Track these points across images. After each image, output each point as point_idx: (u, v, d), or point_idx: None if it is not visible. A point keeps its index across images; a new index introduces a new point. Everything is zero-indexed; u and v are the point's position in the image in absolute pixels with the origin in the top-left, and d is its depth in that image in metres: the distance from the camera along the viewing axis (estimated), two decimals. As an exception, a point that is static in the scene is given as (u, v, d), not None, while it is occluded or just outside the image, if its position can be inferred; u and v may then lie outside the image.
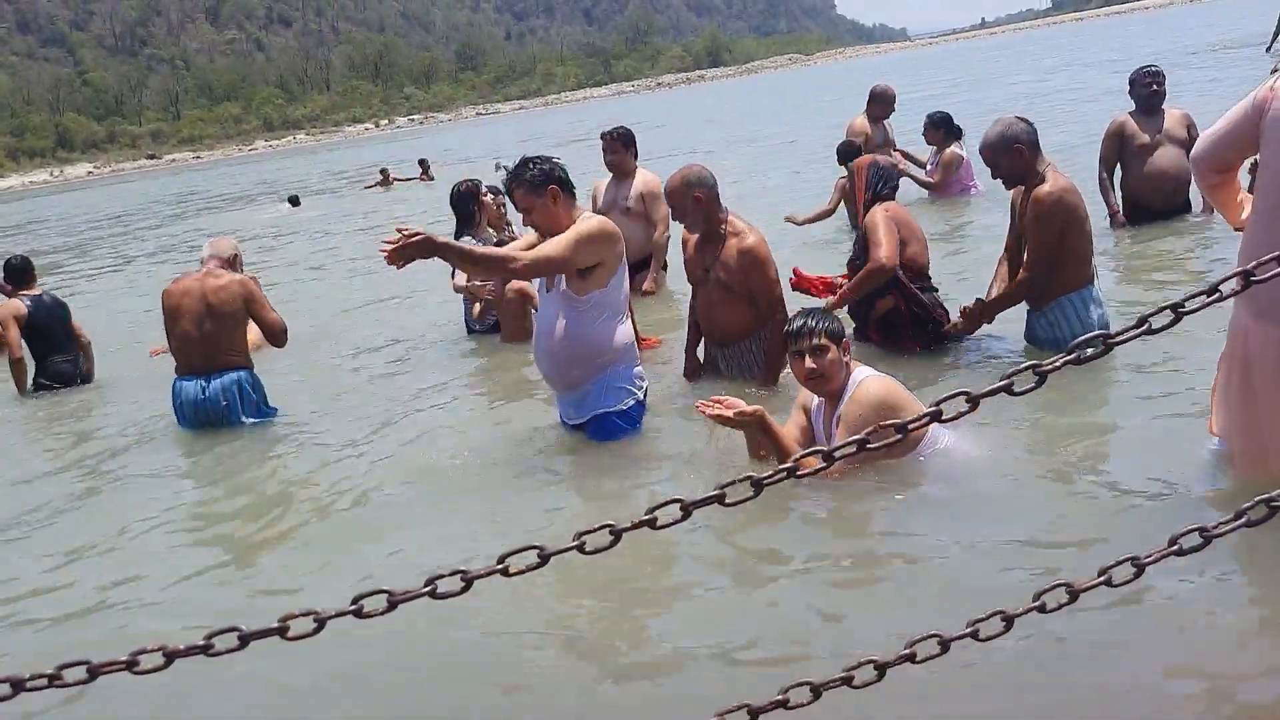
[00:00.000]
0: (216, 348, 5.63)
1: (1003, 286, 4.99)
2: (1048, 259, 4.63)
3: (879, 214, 5.13)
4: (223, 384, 5.60)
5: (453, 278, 6.87)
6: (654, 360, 5.60)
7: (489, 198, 6.98)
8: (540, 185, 4.27)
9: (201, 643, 1.63)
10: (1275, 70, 3.03)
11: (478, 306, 6.93)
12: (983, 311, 4.93)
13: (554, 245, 4.18)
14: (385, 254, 3.93)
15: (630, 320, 4.59)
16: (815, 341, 3.63)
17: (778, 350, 4.59)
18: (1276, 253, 1.77)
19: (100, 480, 5.24)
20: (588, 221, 4.29)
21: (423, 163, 23.61)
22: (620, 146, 7.33)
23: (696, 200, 4.78)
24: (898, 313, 5.13)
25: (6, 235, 26.49)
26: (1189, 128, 6.98)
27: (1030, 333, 4.93)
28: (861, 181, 5.27)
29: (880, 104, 9.32)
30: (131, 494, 4.95)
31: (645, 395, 4.55)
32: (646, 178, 7.37)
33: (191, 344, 5.61)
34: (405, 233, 3.93)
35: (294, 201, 21.02)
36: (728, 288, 4.83)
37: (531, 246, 4.36)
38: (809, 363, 3.64)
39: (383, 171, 23.16)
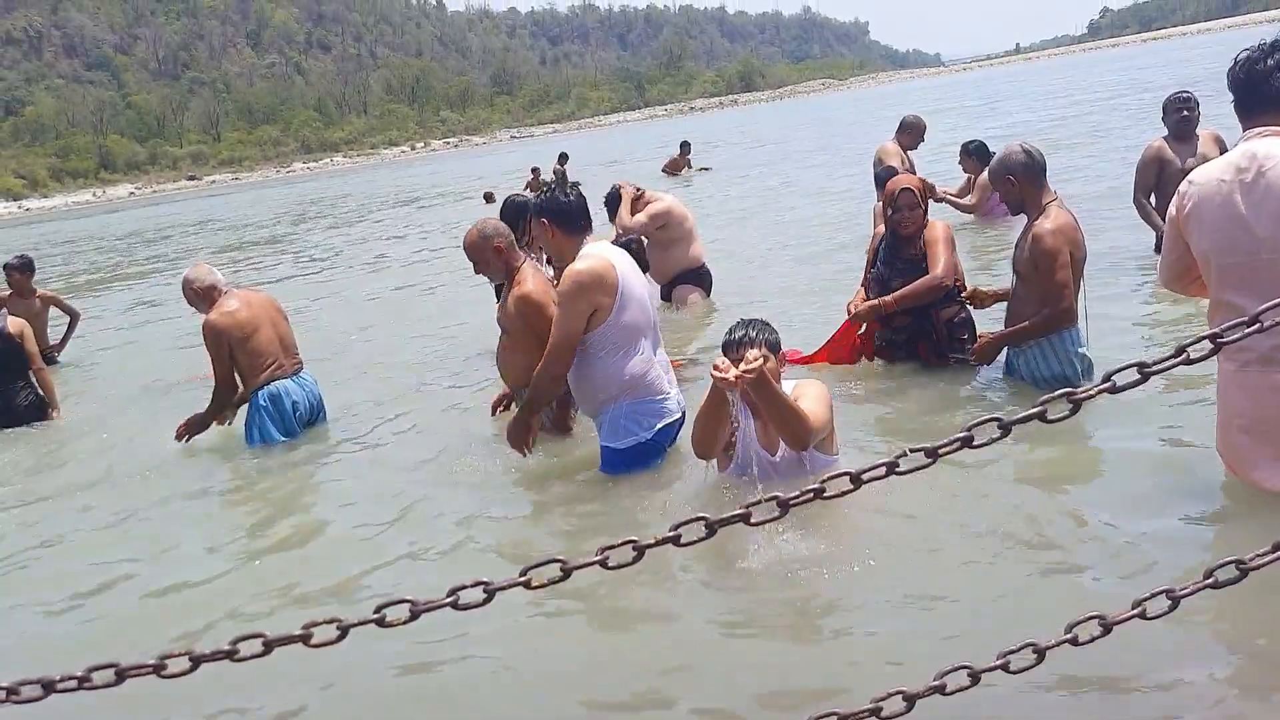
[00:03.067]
0: (295, 349, 5.86)
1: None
2: (1069, 289, 4.55)
3: (940, 228, 5.22)
4: (314, 382, 5.87)
5: None
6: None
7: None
8: (539, 217, 4.42)
9: (227, 648, 1.64)
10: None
11: None
12: (998, 343, 4.87)
13: (553, 336, 4.25)
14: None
15: (648, 349, 4.36)
16: (754, 352, 3.60)
17: (563, 398, 4.72)
18: (1244, 318, 1.76)
19: (143, 493, 5.29)
20: (568, 278, 4.22)
21: (535, 171, 23.57)
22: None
23: (497, 250, 4.85)
24: (962, 323, 5.19)
25: (121, 241, 27.00)
26: (1222, 147, 6.90)
27: (1010, 368, 4.89)
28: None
29: (910, 134, 9.34)
30: (170, 507, 5.00)
31: (664, 432, 4.36)
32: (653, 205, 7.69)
33: (277, 348, 5.72)
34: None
35: (488, 198, 21.60)
36: (509, 333, 4.88)
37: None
38: None
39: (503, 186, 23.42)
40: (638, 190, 7.78)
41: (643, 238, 7.48)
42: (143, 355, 9.36)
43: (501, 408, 5.37)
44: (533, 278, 4.84)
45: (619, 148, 32.69)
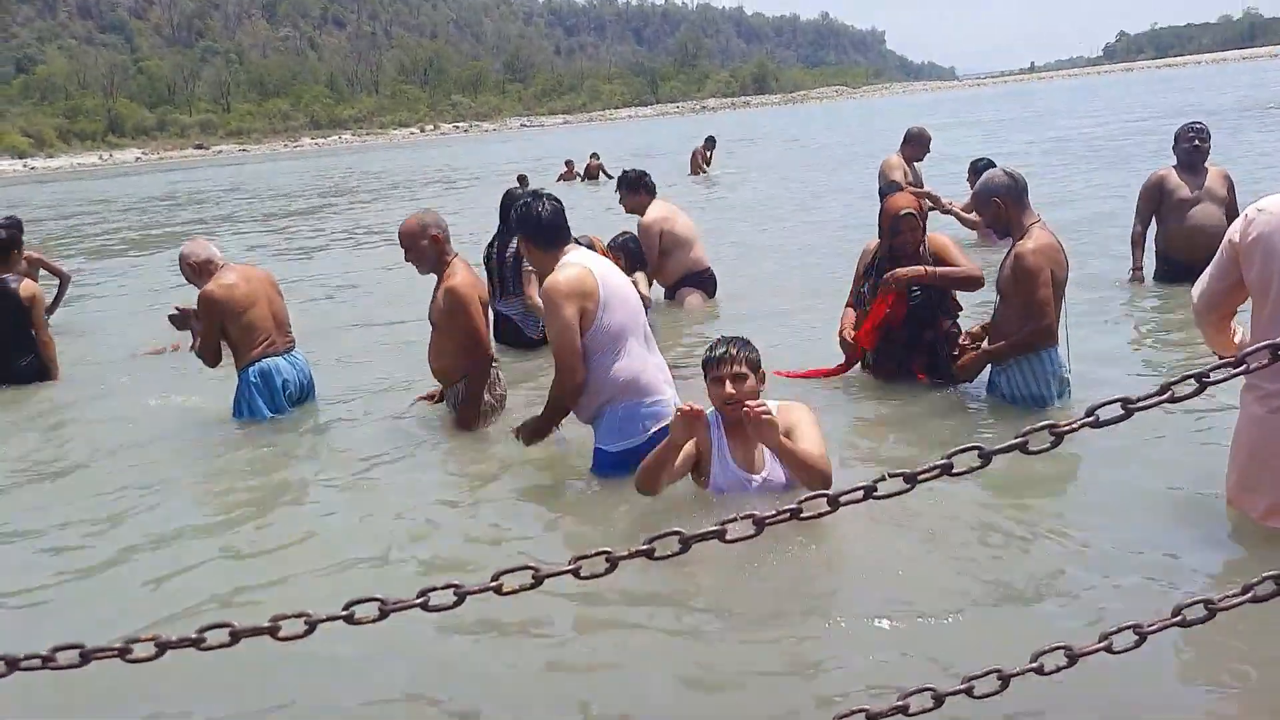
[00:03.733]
0: (288, 327, 5.87)
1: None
2: (1050, 307, 4.61)
3: (945, 239, 5.33)
4: (306, 361, 5.88)
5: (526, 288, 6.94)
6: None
7: None
8: (519, 230, 4.43)
9: (194, 636, 1.64)
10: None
11: None
12: (981, 361, 4.89)
13: (554, 351, 4.24)
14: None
15: (639, 350, 4.34)
16: (736, 369, 3.67)
17: (474, 396, 4.86)
18: (1266, 343, 1.76)
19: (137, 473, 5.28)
20: (545, 292, 4.22)
21: (594, 156, 23.55)
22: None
23: (433, 240, 4.87)
24: (954, 336, 5.19)
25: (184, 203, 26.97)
26: (1229, 187, 6.92)
27: (992, 386, 4.93)
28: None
29: (914, 145, 9.34)
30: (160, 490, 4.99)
31: (660, 434, 4.18)
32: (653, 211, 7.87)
33: (271, 325, 5.73)
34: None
35: (522, 181, 21.65)
36: (437, 327, 4.92)
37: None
38: (729, 389, 3.68)
39: (568, 163, 23.70)
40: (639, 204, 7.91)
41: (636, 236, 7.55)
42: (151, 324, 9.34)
43: (430, 404, 5.40)
44: (463, 272, 4.89)
45: (642, 141, 32.68)
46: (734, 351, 3.70)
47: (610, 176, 21.52)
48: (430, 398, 5.50)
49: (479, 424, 5.11)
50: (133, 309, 10.14)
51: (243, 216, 21.92)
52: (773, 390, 4.96)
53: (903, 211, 5.19)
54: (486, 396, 5.13)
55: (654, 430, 4.25)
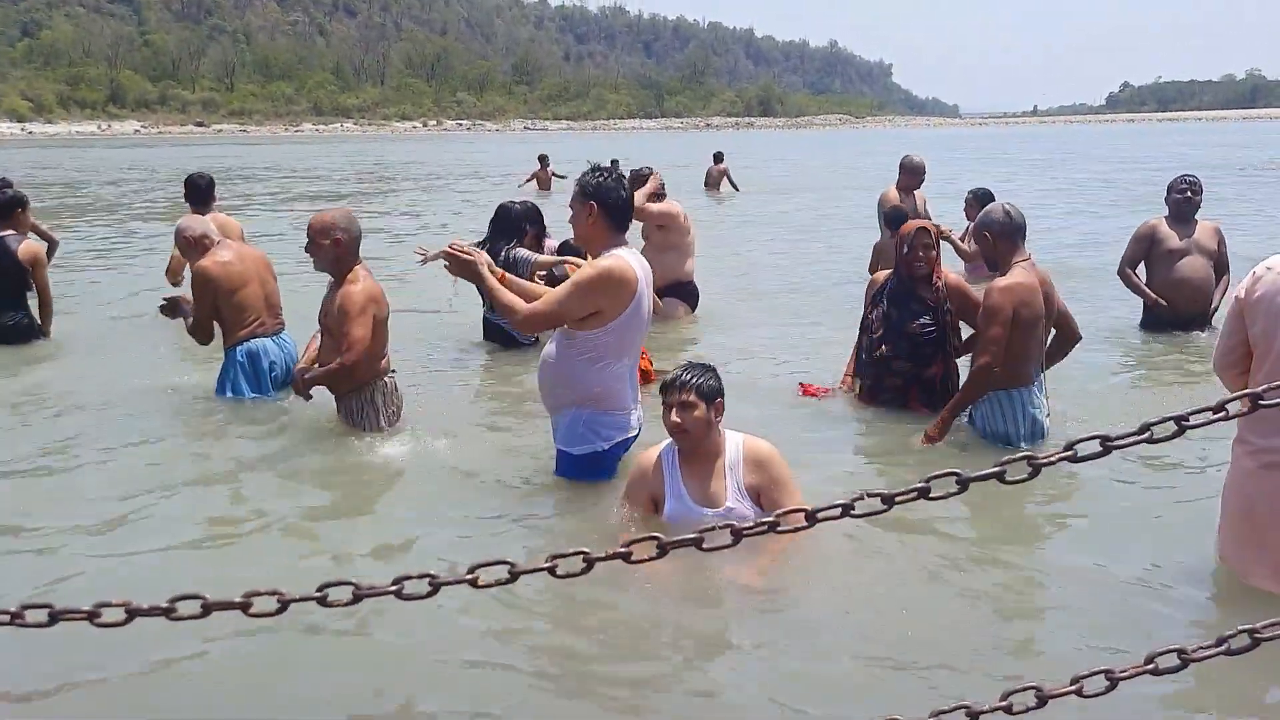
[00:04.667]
0: (279, 309, 5.87)
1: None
2: (999, 349, 4.65)
3: (961, 278, 5.51)
4: (294, 344, 5.84)
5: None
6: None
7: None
8: (584, 197, 4.17)
9: (164, 605, 1.64)
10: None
11: None
12: (943, 426, 4.86)
13: (549, 300, 4.14)
14: (431, 258, 4.08)
15: (629, 365, 4.31)
16: (685, 397, 3.64)
17: (336, 379, 4.89)
18: (1247, 391, 1.78)
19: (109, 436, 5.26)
20: (593, 268, 4.09)
21: (719, 156, 22.93)
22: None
23: (335, 242, 4.86)
24: (948, 373, 5.26)
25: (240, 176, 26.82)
26: (1220, 241, 6.99)
27: (969, 419, 4.99)
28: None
29: (909, 174, 9.41)
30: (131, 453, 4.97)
31: (621, 446, 4.32)
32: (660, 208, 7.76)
33: (262, 305, 5.74)
34: (460, 248, 4.26)
35: (543, 161, 22.34)
36: (327, 331, 4.94)
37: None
38: (675, 416, 3.66)
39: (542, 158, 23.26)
40: (662, 186, 7.85)
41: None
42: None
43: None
44: (364, 281, 4.89)
45: (656, 154, 32.76)
46: (686, 379, 3.66)
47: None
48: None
49: (304, 390, 5.04)
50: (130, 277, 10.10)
51: (294, 196, 21.86)
52: (779, 410, 5.00)
53: (917, 228, 5.30)
54: (381, 407, 5.06)
55: (616, 440, 4.29)
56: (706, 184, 22.05)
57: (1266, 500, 3.13)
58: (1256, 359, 3.18)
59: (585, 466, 4.27)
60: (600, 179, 4.18)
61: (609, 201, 4.16)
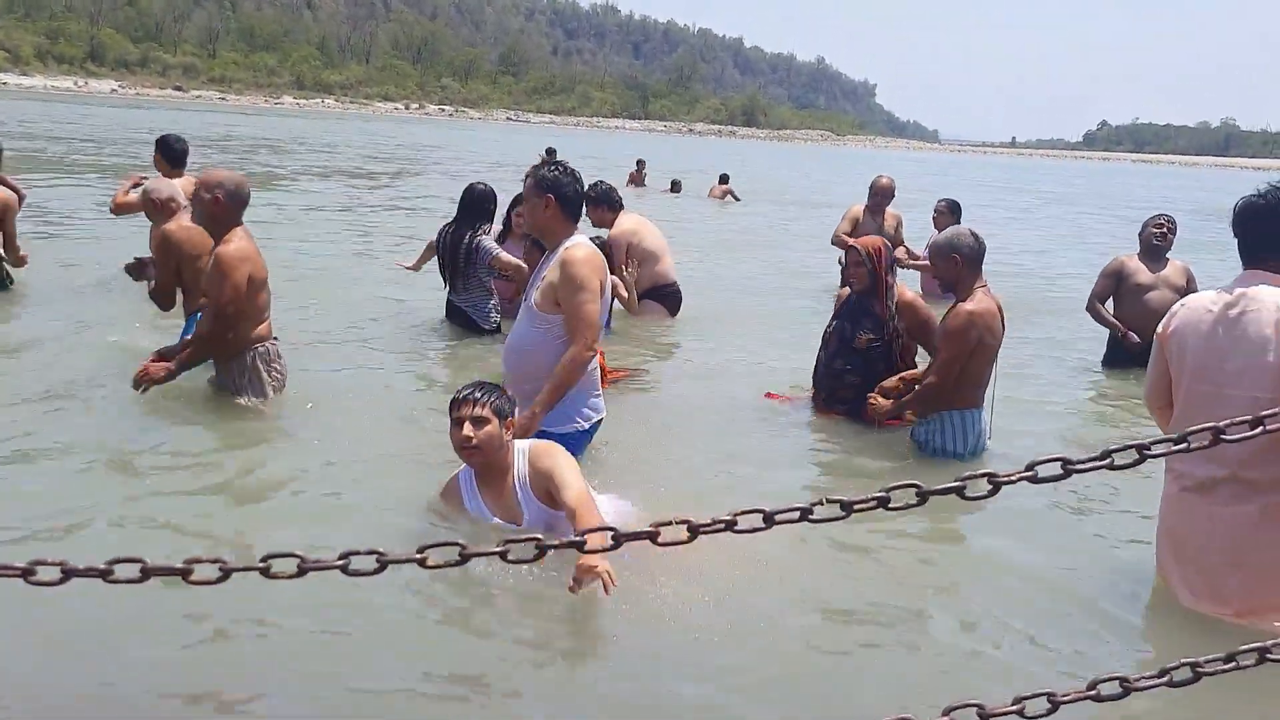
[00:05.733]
0: None
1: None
2: (954, 372, 4.74)
3: (916, 296, 5.55)
4: None
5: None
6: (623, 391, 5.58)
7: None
8: (542, 190, 4.30)
9: (101, 567, 1.59)
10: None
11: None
12: (891, 407, 5.00)
13: (582, 318, 4.17)
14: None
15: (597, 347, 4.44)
16: (478, 411, 3.50)
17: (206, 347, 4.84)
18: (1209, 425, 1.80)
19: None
20: (586, 265, 4.20)
21: (724, 178, 22.55)
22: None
23: (214, 200, 4.84)
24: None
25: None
26: (1189, 280, 7.06)
27: (912, 433, 5.05)
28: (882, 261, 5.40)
29: (877, 195, 9.53)
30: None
31: (594, 427, 4.42)
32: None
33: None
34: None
35: (675, 187, 21.87)
36: (206, 294, 4.91)
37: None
38: (467, 431, 3.50)
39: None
40: (620, 203, 7.79)
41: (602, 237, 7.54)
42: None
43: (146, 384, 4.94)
44: (238, 242, 4.84)
45: (632, 155, 32.85)
46: (479, 395, 3.54)
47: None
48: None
49: (167, 375, 4.85)
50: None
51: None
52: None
53: (847, 247, 5.44)
54: (265, 374, 5.02)
55: (594, 420, 4.41)
56: (710, 194, 22.10)
57: (1184, 522, 3.30)
58: (1174, 390, 3.36)
59: (565, 446, 4.27)
60: (556, 173, 4.35)
61: (565, 194, 4.32)
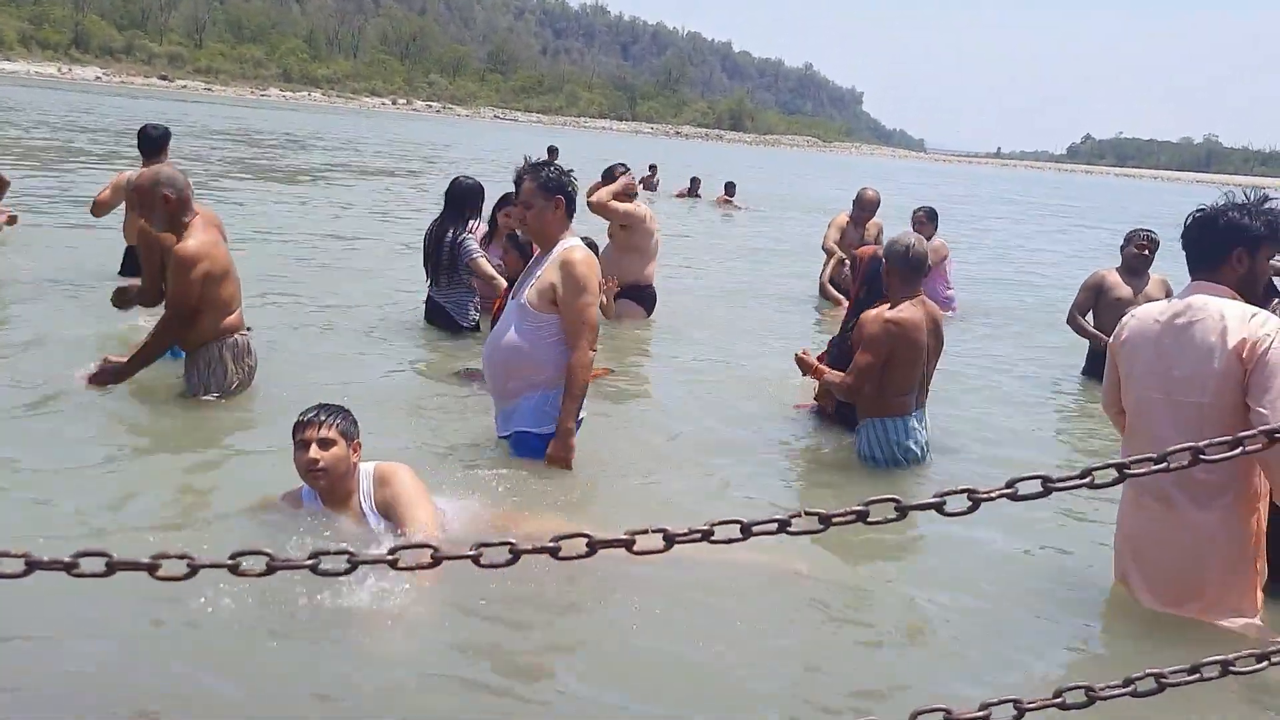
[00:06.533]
0: None
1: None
2: (868, 377, 4.77)
3: (866, 322, 5.36)
4: None
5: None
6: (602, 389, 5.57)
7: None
8: (551, 190, 4.30)
9: (66, 560, 1.57)
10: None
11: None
12: (814, 370, 5.01)
13: (581, 324, 4.21)
14: None
15: None
16: (325, 433, 3.41)
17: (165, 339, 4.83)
18: (1147, 454, 1.83)
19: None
20: (585, 266, 4.26)
21: (729, 186, 21.87)
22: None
23: (164, 200, 4.82)
24: None
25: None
26: (1167, 292, 7.10)
27: (856, 442, 5.10)
28: (860, 273, 5.44)
29: (861, 208, 9.58)
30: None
31: (580, 424, 4.44)
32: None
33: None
34: None
35: (552, 153, 20.89)
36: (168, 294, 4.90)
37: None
38: (313, 453, 3.39)
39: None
40: (633, 188, 7.86)
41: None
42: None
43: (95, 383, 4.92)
44: (198, 234, 4.82)
45: (618, 156, 32.90)
46: (324, 417, 3.44)
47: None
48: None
49: (119, 379, 4.86)
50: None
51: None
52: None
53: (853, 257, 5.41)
54: (232, 366, 4.98)
55: (581, 418, 4.42)
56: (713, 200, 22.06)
57: (1146, 528, 3.38)
58: (1123, 394, 3.47)
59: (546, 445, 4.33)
60: (558, 173, 4.38)
61: (570, 195, 4.39)
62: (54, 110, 32.94)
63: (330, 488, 3.45)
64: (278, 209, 13.64)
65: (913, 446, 4.92)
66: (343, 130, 41.78)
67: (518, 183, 4.42)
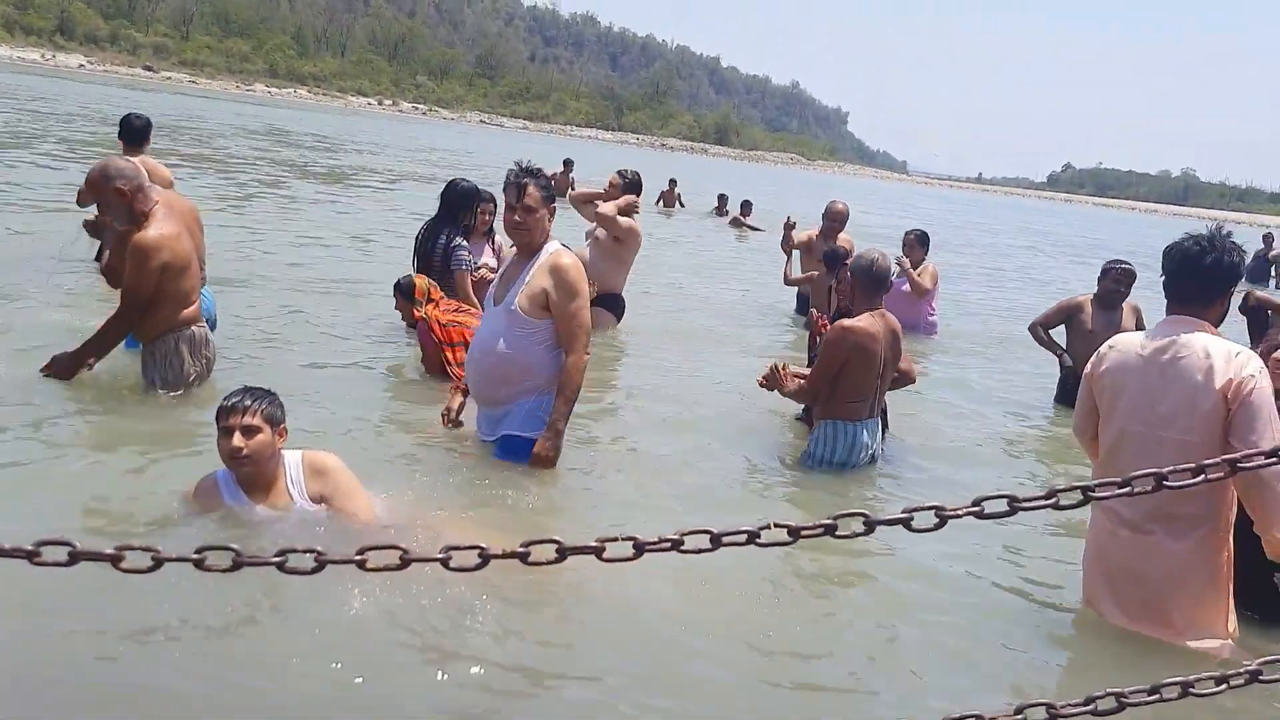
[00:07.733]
0: (203, 262, 5.62)
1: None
2: (826, 381, 4.97)
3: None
4: (212, 299, 5.76)
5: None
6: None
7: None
8: (550, 199, 4.42)
9: (28, 548, 1.55)
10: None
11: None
12: (782, 381, 5.09)
13: (577, 330, 4.26)
14: None
15: None
16: (249, 420, 3.41)
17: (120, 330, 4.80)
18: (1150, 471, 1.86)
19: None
20: (575, 271, 4.33)
21: (745, 205, 21.30)
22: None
23: (118, 192, 4.79)
24: None
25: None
26: (1138, 320, 7.17)
27: (810, 454, 5.20)
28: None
29: (831, 220, 9.59)
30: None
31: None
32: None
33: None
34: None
35: (567, 165, 21.41)
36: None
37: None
38: (237, 441, 3.40)
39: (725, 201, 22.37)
40: (636, 206, 7.92)
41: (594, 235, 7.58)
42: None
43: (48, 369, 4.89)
44: (161, 224, 4.77)
45: (601, 165, 32.84)
46: (249, 402, 3.44)
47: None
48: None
49: (74, 367, 4.82)
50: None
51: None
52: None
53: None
54: (189, 359, 4.94)
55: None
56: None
57: (1120, 555, 3.42)
58: (1101, 425, 3.50)
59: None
60: (547, 181, 4.49)
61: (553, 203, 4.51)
62: (46, 94, 32.62)
63: (253, 475, 3.43)
64: (316, 210, 13.56)
65: (859, 451, 5.04)
66: (368, 134, 41.58)
67: (519, 185, 4.40)
